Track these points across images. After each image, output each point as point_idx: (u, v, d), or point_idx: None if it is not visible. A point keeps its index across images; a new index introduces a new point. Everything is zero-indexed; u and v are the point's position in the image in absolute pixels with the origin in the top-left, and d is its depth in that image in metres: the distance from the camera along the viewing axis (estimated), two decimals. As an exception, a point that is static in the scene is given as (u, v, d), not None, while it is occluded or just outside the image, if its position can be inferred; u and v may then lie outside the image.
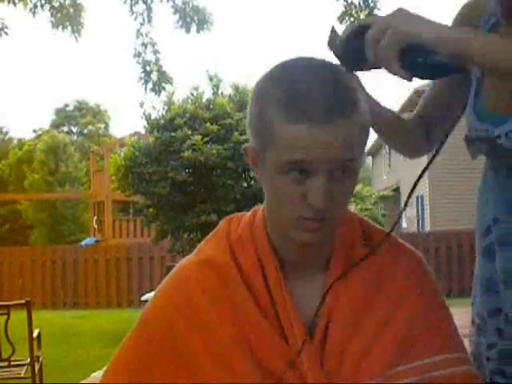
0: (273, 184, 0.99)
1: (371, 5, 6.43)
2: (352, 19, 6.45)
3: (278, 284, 1.03)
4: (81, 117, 37.92)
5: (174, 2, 7.13)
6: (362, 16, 6.41)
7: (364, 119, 0.98)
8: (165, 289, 1.08)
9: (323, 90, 0.94)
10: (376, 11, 6.44)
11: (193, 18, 7.08)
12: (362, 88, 1.09)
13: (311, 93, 0.93)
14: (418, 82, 19.00)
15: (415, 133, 1.41)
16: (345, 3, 6.51)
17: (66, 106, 38.87)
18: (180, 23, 7.11)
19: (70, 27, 7.14)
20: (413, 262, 1.11)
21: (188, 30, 7.11)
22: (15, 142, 34.26)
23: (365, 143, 1.01)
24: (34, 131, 36.93)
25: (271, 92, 0.97)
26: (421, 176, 1.24)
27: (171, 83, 7.52)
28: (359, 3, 6.46)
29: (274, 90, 0.96)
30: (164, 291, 1.08)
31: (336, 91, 0.94)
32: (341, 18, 6.54)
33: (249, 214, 1.13)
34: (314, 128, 0.92)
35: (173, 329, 1.02)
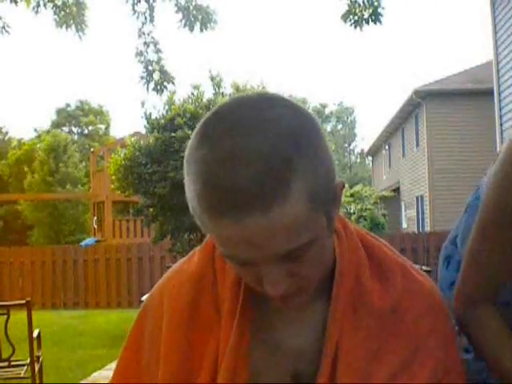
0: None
1: (375, 3, 6.39)
2: (356, 18, 6.41)
3: (230, 319, 0.94)
4: (82, 117, 37.93)
5: (176, 1, 7.11)
6: (365, 15, 6.38)
7: (304, 202, 0.78)
8: (150, 295, 1.07)
9: (237, 178, 0.76)
10: (380, 10, 6.40)
11: (196, 17, 7.05)
12: (317, 146, 0.83)
13: (222, 182, 0.77)
14: (417, 82, 19.00)
15: None
16: (348, 2, 6.47)
17: (68, 105, 38.87)
18: (183, 22, 7.09)
19: (73, 26, 7.13)
20: (429, 298, 0.99)
21: (191, 29, 7.08)
22: (15, 142, 34.25)
23: (328, 217, 0.84)
24: (35, 130, 36.93)
25: (186, 171, 0.83)
26: None
27: (173, 83, 7.51)
28: (363, 2, 6.41)
29: (188, 173, 0.82)
30: (148, 298, 1.07)
31: (256, 177, 0.76)
32: (344, 17, 6.51)
33: None
34: (229, 226, 0.78)
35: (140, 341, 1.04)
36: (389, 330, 0.94)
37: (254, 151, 0.77)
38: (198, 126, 0.86)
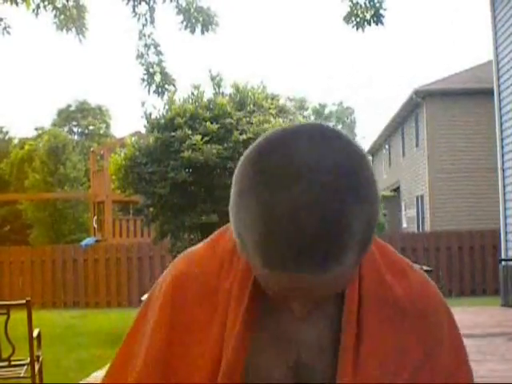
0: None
1: (377, 5, 6.40)
2: (358, 19, 6.42)
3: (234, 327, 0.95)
4: (82, 118, 37.94)
5: (177, 3, 7.10)
6: (367, 16, 6.39)
7: (357, 256, 0.80)
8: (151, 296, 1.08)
9: (306, 235, 0.75)
10: (381, 11, 6.41)
11: (198, 19, 7.05)
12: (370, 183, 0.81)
13: (291, 237, 0.75)
14: (417, 82, 19.06)
15: None
16: (350, 4, 6.48)
17: (69, 106, 38.84)
18: (184, 24, 7.09)
19: (74, 29, 7.14)
20: (437, 291, 1.04)
21: (193, 31, 7.08)
22: (16, 141, 34.23)
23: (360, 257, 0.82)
24: (36, 129, 36.91)
25: (243, 211, 0.79)
26: None
27: (174, 85, 7.51)
28: (365, 3, 6.43)
29: (246, 214, 0.79)
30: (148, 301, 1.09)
31: (327, 233, 0.75)
32: (347, 19, 6.51)
33: None
34: (287, 278, 0.78)
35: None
36: (412, 322, 0.97)
37: (322, 198, 0.76)
38: (255, 161, 0.81)
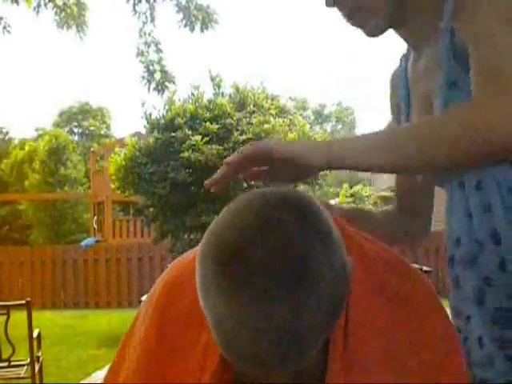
0: None
1: None
2: None
3: None
4: (83, 119, 37.98)
5: (177, 1, 7.13)
6: None
7: (319, 333, 0.81)
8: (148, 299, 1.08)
9: (262, 346, 0.77)
10: None
11: (197, 17, 7.08)
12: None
13: (242, 343, 0.78)
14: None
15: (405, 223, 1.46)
16: None
17: (69, 106, 38.90)
18: (184, 22, 7.12)
19: (74, 26, 7.17)
20: (427, 281, 1.05)
21: (192, 29, 7.11)
22: (16, 142, 34.24)
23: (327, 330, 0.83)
24: (36, 130, 36.93)
25: (209, 313, 0.82)
26: None
27: (174, 83, 7.53)
28: None
29: (210, 316, 0.81)
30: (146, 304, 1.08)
31: (282, 348, 0.77)
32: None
33: None
34: (249, 367, 0.82)
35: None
36: (401, 318, 0.97)
37: (281, 324, 0.77)
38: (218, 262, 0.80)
